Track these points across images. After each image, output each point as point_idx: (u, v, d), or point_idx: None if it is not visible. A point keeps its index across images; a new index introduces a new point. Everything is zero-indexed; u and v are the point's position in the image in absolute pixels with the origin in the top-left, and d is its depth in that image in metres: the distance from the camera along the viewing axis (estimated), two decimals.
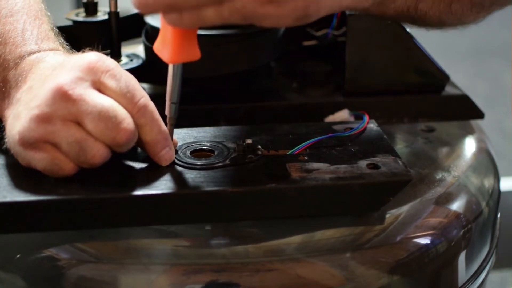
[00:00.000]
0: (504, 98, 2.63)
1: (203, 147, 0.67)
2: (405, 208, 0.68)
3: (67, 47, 0.70)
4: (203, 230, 0.64)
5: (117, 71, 0.62)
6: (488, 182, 0.77)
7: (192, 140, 0.68)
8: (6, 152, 0.63)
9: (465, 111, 0.85)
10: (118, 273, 0.61)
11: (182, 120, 0.68)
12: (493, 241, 0.78)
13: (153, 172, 0.63)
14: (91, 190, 0.61)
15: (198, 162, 0.64)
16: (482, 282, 0.75)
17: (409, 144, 0.80)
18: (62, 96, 0.59)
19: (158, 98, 0.66)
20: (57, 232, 0.63)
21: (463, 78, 2.06)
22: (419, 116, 0.84)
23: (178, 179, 0.62)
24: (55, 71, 0.62)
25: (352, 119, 0.78)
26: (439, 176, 0.73)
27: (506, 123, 2.43)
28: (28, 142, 0.60)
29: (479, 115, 0.86)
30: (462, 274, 0.70)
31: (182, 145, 0.67)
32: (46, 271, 0.62)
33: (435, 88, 0.85)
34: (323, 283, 0.62)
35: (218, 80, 0.83)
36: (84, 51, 0.65)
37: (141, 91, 0.62)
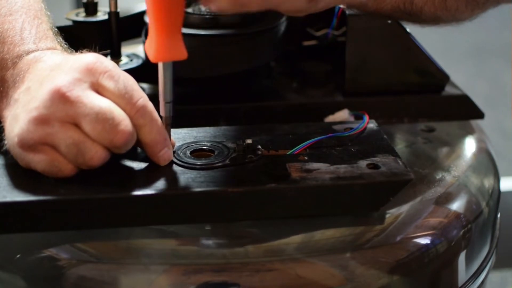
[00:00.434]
0: (504, 98, 2.63)
1: (203, 147, 0.67)
2: (405, 208, 0.68)
3: (66, 46, 0.70)
4: (203, 230, 0.64)
5: (115, 72, 0.62)
6: (488, 182, 0.77)
7: (192, 140, 0.68)
8: (6, 153, 0.63)
9: (465, 111, 0.85)
10: (118, 273, 0.61)
11: (182, 120, 0.68)
12: (493, 241, 0.78)
13: (153, 172, 0.63)
14: (91, 190, 0.61)
15: (198, 162, 0.64)
16: (482, 282, 0.75)
17: (409, 144, 0.80)
18: (60, 98, 0.59)
19: (158, 98, 0.66)
20: (57, 232, 0.63)
21: (463, 78, 2.05)
22: (419, 116, 0.84)
23: (178, 179, 0.62)
24: (53, 72, 0.62)
25: (352, 119, 0.78)
26: (439, 176, 0.73)
27: (506, 123, 2.43)
28: (27, 144, 0.60)
29: (479, 115, 0.86)
30: (462, 274, 0.70)
31: (182, 145, 0.67)
32: (46, 271, 0.62)
33: (435, 88, 0.85)
34: (323, 283, 0.62)
35: (218, 80, 0.83)
36: (82, 52, 0.65)
37: (139, 92, 0.62)
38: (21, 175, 0.62)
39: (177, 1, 0.59)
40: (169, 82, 0.63)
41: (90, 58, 0.62)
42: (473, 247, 0.71)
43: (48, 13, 0.72)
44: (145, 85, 0.84)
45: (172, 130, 0.66)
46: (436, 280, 0.68)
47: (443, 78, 0.85)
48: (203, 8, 0.81)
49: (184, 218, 0.63)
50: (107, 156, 0.61)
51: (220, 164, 0.64)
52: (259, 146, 0.66)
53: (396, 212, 0.67)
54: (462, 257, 0.69)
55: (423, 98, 0.85)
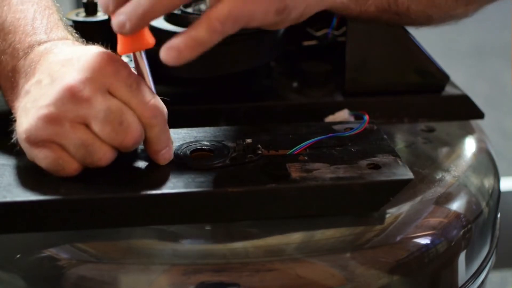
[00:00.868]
0: (504, 98, 2.63)
1: (203, 147, 0.67)
2: (405, 208, 0.68)
3: (77, 35, 0.70)
4: (203, 230, 0.64)
5: (127, 72, 0.61)
6: (488, 182, 0.77)
7: (192, 140, 0.68)
8: (12, 149, 0.63)
9: (465, 111, 0.85)
10: (118, 273, 0.61)
11: (182, 120, 0.68)
12: (493, 241, 0.78)
13: (153, 172, 0.63)
14: (91, 190, 0.61)
15: (198, 162, 0.64)
16: (482, 282, 0.75)
17: (409, 144, 0.80)
18: (71, 98, 0.59)
19: None
20: (57, 232, 0.63)
21: (463, 78, 2.06)
22: (419, 116, 0.84)
23: (178, 179, 0.62)
24: (64, 68, 0.61)
25: (352, 119, 0.78)
26: (439, 176, 0.73)
27: (506, 123, 2.43)
28: (34, 141, 0.60)
29: (479, 115, 0.86)
30: (462, 274, 0.70)
31: (182, 144, 0.67)
32: (46, 271, 0.62)
33: (435, 88, 0.85)
34: (323, 283, 0.62)
35: (218, 80, 0.83)
36: (89, 44, 0.65)
37: (151, 92, 0.62)
38: (21, 175, 0.62)
39: None
40: (147, 74, 0.63)
41: (103, 57, 0.61)
42: (473, 247, 0.71)
43: (58, 5, 0.72)
44: None
45: (172, 130, 0.66)
46: (436, 280, 0.68)
47: (443, 78, 0.85)
48: (203, 8, 0.81)
49: (184, 218, 0.63)
50: (114, 155, 0.61)
51: (220, 164, 0.64)
52: (259, 146, 0.66)
53: (396, 212, 0.67)
54: (462, 257, 0.69)
55: (423, 98, 0.85)
